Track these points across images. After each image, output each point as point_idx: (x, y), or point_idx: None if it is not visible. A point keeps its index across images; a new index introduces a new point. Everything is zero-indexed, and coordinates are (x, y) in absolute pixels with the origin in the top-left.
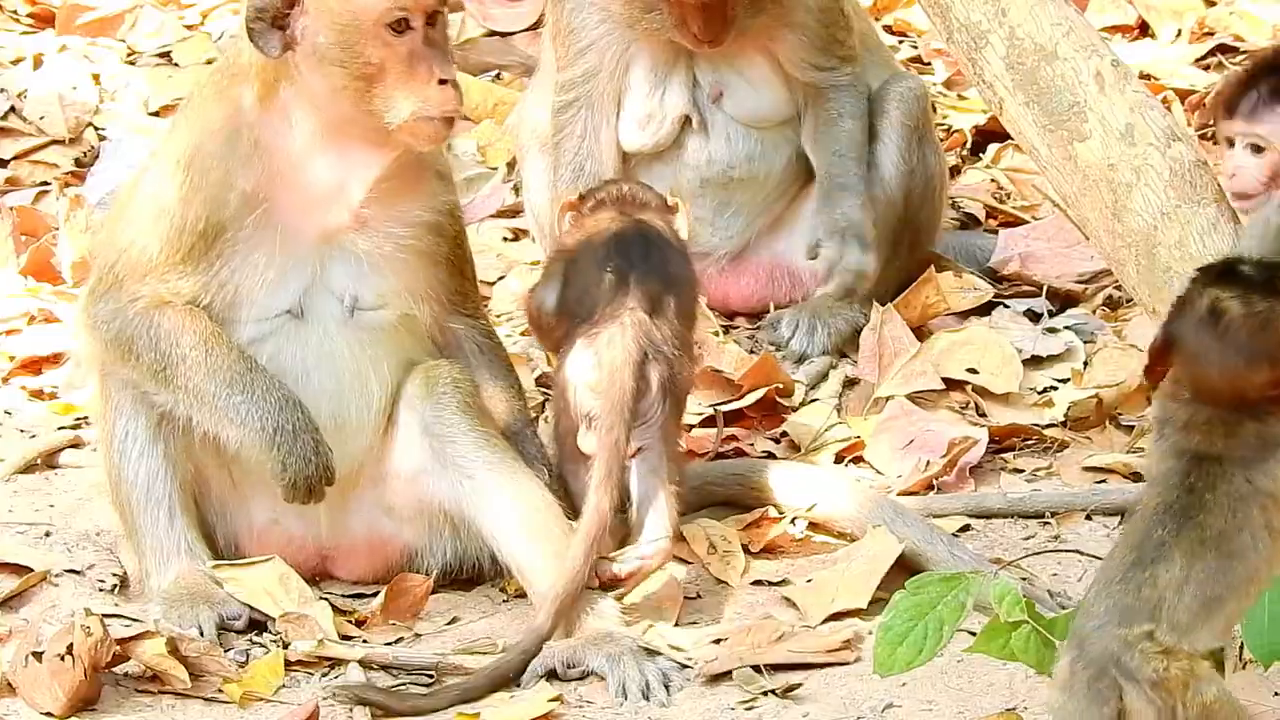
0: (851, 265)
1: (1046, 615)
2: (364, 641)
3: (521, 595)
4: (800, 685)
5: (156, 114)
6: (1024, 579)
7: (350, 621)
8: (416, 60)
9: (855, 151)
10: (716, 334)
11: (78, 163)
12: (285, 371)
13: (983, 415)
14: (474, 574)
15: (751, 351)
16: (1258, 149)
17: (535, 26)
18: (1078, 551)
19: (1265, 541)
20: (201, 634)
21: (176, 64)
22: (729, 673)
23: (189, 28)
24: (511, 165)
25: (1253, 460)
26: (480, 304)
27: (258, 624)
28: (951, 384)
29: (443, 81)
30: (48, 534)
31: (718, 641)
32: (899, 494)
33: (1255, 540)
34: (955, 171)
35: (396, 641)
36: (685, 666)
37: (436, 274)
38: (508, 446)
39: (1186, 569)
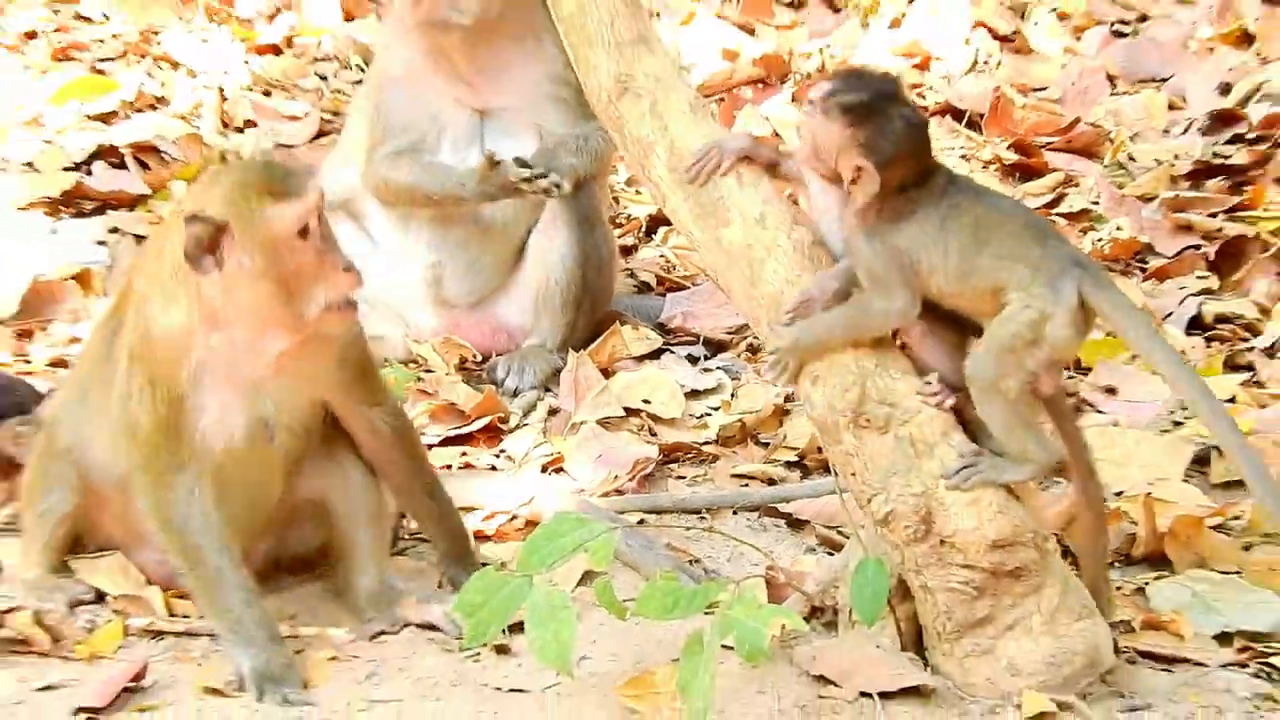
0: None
1: (688, 583)
2: (185, 617)
3: (320, 577)
4: (512, 641)
5: None
6: (690, 561)
7: (178, 599)
8: (322, 255)
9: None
10: (448, 374)
11: None
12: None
13: (654, 435)
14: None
15: (477, 388)
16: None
17: (317, 138)
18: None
19: None
20: (57, 608)
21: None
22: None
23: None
24: None
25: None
26: (383, 389)
27: (103, 600)
28: (631, 411)
29: (347, 269)
30: None
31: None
32: (596, 496)
33: None
34: (633, 249)
35: None
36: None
37: (342, 379)
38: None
39: None
